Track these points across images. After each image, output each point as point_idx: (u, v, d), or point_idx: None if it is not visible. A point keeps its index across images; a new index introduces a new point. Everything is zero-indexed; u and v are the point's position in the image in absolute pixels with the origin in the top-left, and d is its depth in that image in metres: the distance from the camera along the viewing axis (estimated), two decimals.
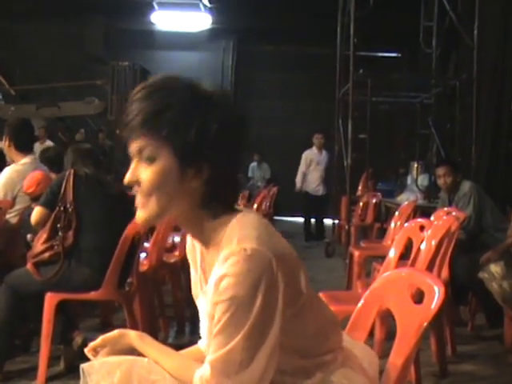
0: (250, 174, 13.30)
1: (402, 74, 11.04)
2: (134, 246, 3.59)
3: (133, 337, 1.52)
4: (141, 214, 1.33)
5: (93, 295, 3.41)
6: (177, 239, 4.99)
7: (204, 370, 1.29)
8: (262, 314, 1.24)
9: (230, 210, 1.37)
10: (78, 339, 3.62)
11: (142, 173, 1.30)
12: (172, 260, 4.69)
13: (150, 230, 4.13)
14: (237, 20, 13.02)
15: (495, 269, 4.09)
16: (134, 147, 1.31)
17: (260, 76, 13.83)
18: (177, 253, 4.75)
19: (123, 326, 3.67)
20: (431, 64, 9.23)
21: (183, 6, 12.92)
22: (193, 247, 1.51)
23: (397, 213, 5.81)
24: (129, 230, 3.40)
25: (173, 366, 1.43)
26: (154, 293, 4.34)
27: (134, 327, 3.54)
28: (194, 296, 1.55)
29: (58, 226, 3.39)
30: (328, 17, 10.17)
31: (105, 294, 3.42)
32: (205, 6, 12.88)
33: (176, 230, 4.99)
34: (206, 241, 1.38)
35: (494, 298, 4.08)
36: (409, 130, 11.16)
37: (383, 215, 8.69)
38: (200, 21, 13.32)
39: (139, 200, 1.32)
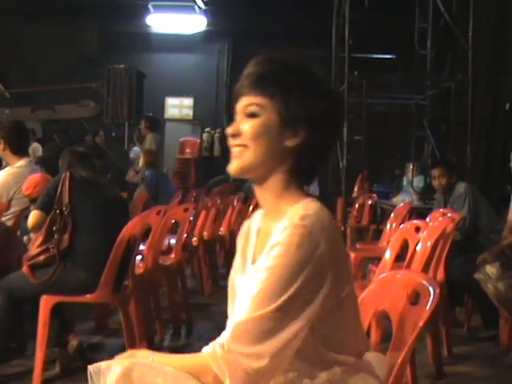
0: None
1: (397, 76, 11.05)
2: (130, 249, 3.58)
3: (142, 354, 1.49)
4: (235, 164, 1.43)
5: (88, 298, 3.41)
6: (173, 241, 4.99)
7: (225, 338, 1.30)
8: (302, 291, 1.29)
9: (303, 190, 1.45)
10: (74, 342, 3.61)
11: (243, 125, 1.40)
12: (168, 262, 4.68)
13: (146, 232, 4.13)
14: (232, 22, 13.02)
15: (491, 270, 4.10)
16: (241, 103, 1.41)
17: None
18: (173, 255, 4.75)
19: (119, 329, 3.68)
20: (426, 65, 9.25)
21: (178, 8, 12.91)
22: (248, 230, 1.56)
23: (392, 214, 5.82)
24: (124, 233, 3.40)
25: (187, 362, 1.39)
26: (149, 295, 4.33)
27: (130, 330, 3.54)
28: (232, 282, 1.58)
29: (54, 228, 3.39)
30: (323, 19, 10.19)
31: (100, 296, 3.42)
32: (200, 8, 12.87)
33: (173, 231, 5.00)
34: (272, 209, 1.45)
35: (490, 299, 4.08)
36: (404, 131, 11.18)
37: (379, 217, 8.69)
38: (195, 23, 13.31)
39: (235, 150, 1.42)
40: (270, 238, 1.38)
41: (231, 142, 1.43)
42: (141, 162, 8.26)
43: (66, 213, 3.38)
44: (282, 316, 1.28)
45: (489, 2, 7.68)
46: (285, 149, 1.39)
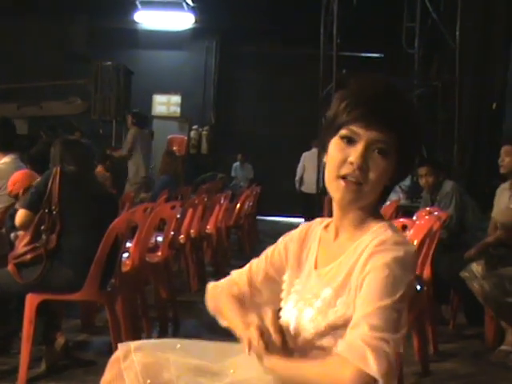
0: (232, 174, 13.30)
1: (385, 75, 11.07)
2: (117, 247, 3.57)
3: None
4: (350, 196, 1.40)
5: (74, 296, 3.40)
6: (159, 239, 4.98)
7: (361, 330, 1.28)
8: (404, 297, 1.32)
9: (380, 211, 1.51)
10: (61, 340, 3.60)
11: (372, 162, 1.38)
12: (155, 260, 4.67)
13: (132, 229, 4.12)
14: (220, 19, 13.00)
15: (476, 268, 4.12)
16: (371, 136, 1.37)
17: (243, 76, 13.83)
18: (159, 253, 4.74)
19: (105, 327, 3.67)
20: (413, 64, 9.28)
21: (166, 4, 12.89)
22: (304, 237, 1.59)
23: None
24: (111, 230, 3.38)
25: (317, 370, 1.35)
26: (136, 293, 4.31)
27: (116, 328, 3.52)
28: (284, 281, 1.60)
29: (42, 228, 3.36)
30: (311, 17, 10.20)
31: (86, 294, 3.40)
32: (188, 5, 12.85)
33: (160, 229, 4.98)
34: (348, 229, 1.47)
35: (475, 297, 4.11)
36: None
37: None
38: (183, 20, 13.30)
39: (353, 183, 1.38)
40: (342, 254, 1.44)
41: (350, 170, 1.38)
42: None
43: (54, 212, 3.36)
44: (400, 307, 1.32)
45: (476, 1, 7.71)
46: (387, 183, 1.44)
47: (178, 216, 5.28)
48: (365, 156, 1.37)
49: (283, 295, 1.58)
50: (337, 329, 1.37)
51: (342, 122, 1.39)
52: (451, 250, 4.66)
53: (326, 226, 1.55)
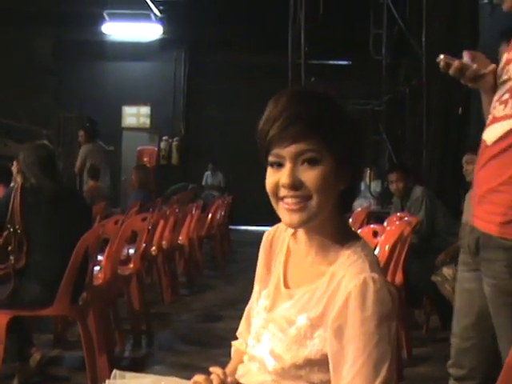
0: (203, 183, 13.28)
1: (353, 82, 11.16)
2: (88, 260, 3.53)
3: None
4: (299, 217, 1.34)
5: (45, 312, 3.35)
6: (131, 251, 4.94)
7: None
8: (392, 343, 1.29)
9: (347, 223, 1.45)
10: (37, 356, 3.56)
11: (304, 175, 1.32)
12: (127, 272, 4.63)
13: (104, 242, 4.08)
14: (188, 30, 13.00)
15: (447, 272, 4.16)
16: (293, 149, 1.31)
17: (213, 85, 13.82)
18: (131, 265, 4.70)
19: (78, 341, 3.63)
20: (382, 71, 9.37)
21: (134, 16, 12.83)
22: (271, 243, 1.55)
23: (350, 219, 5.85)
24: (80, 244, 3.35)
25: None
26: (108, 306, 4.28)
27: (89, 342, 3.49)
28: (256, 291, 1.56)
29: (9, 248, 3.31)
30: (279, 26, 10.23)
31: (57, 309, 3.36)
32: (156, 16, 12.82)
33: (131, 241, 4.95)
34: (320, 249, 1.41)
35: (447, 300, 4.14)
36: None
37: None
38: (151, 31, 13.25)
39: (296, 203, 1.33)
40: (318, 278, 1.37)
41: (288, 193, 1.33)
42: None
43: (19, 231, 3.29)
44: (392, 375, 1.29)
45: (441, 8, 7.82)
46: (337, 193, 1.37)
47: (150, 227, 5.25)
48: (294, 173, 1.32)
49: (253, 307, 1.54)
50: (314, 364, 1.34)
51: (265, 151, 1.35)
52: (422, 254, 4.69)
53: (294, 234, 1.49)
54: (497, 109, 1.99)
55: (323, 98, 1.37)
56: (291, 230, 1.50)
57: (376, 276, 1.29)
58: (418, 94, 8.10)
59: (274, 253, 1.54)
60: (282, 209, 1.36)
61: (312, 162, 1.31)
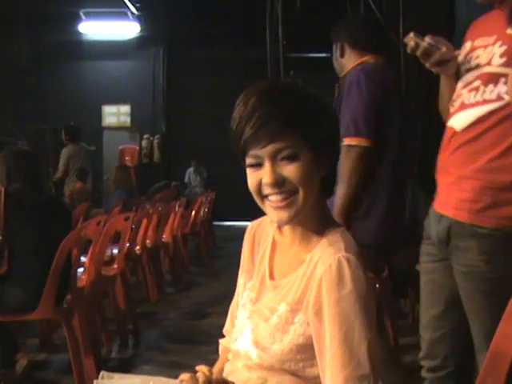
0: (186, 180, 13.24)
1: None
2: (71, 262, 3.51)
3: None
4: (286, 214, 1.36)
5: (30, 316, 3.33)
6: (115, 251, 4.92)
7: None
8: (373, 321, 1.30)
9: (329, 212, 1.47)
10: (23, 361, 3.55)
11: (285, 171, 1.33)
12: (111, 273, 4.62)
13: (87, 243, 4.06)
14: (166, 27, 12.93)
15: None
16: (270, 149, 1.32)
17: (192, 82, 13.77)
18: (116, 265, 4.68)
19: (64, 344, 3.61)
20: None
21: (111, 14, 12.75)
22: (254, 235, 1.57)
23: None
24: (63, 247, 3.32)
25: None
26: (93, 308, 4.26)
27: (75, 344, 3.47)
28: (241, 284, 1.56)
29: None
30: (257, 20, 10.21)
31: (42, 313, 3.35)
32: (133, 13, 12.75)
33: (115, 241, 4.92)
34: (302, 236, 1.42)
35: None
36: None
37: None
38: (129, 29, 13.19)
39: (282, 199, 1.34)
40: (300, 266, 1.39)
41: (272, 190, 1.34)
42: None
43: (1, 238, 3.27)
44: (374, 355, 1.29)
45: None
46: (319, 179, 1.39)
47: (133, 227, 5.23)
48: (275, 171, 1.33)
49: (239, 300, 1.55)
50: (298, 352, 1.35)
51: (241, 152, 1.36)
52: (406, 244, 4.71)
53: (279, 226, 1.50)
54: (464, 96, 1.99)
55: (292, 92, 1.37)
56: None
57: (351, 257, 1.31)
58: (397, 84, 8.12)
59: (258, 245, 1.55)
60: (268, 207, 1.37)
61: (291, 158, 1.33)
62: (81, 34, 13.24)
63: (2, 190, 3.37)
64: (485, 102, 1.92)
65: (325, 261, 1.32)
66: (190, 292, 6.60)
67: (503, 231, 1.88)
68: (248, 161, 1.36)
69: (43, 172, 8.67)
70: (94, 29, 13.14)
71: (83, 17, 12.73)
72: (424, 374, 2.22)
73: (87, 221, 4.69)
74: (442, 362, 2.12)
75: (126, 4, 12.19)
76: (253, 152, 1.34)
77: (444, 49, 2.02)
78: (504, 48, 1.92)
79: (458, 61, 2.05)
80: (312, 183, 1.36)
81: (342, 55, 3.11)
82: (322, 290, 1.30)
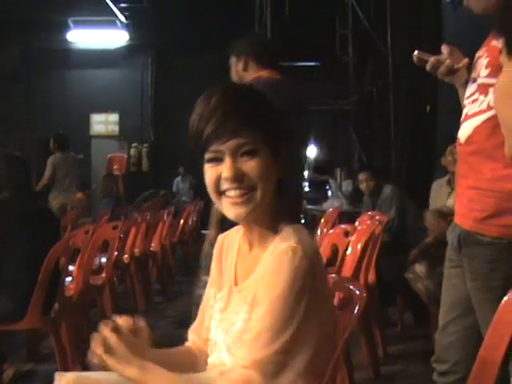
0: (174, 189, 13.19)
1: (322, 83, 11.19)
2: (59, 271, 3.49)
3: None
4: (244, 210, 1.37)
5: (17, 326, 3.30)
6: (103, 260, 4.89)
7: (248, 373, 1.27)
8: (304, 322, 1.28)
9: (286, 213, 1.46)
10: (10, 371, 3.52)
11: (245, 166, 1.36)
12: (99, 282, 4.59)
13: (75, 252, 4.04)
14: (154, 35, 12.95)
15: (420, 269, 4.19)
16: (230, 145, 1.34)
17: (180, 90, 13.72)
18: (104, 274, 4.66)
19: (52, 354, 3.58)
20: (349, 71, 9.43)
21: (99, 23, 12.76)
22: (222, 244, 1.60)
23: (322, 220, 5.88)
24: (51, 256, 3.30)
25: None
26: (81, 317, 4.23)
27: (63, 353, 3.44)
28: (209, 297, 1.60)
29: None
30: (246, 28, 10.24)
31: (29, 323, 3.31)
32: (121, 22, 12.76)
33: (103, 250, 4.90)
34: (259, 236, 1.44)
35: (420, 297, 4.17)
36: (331, 137, 11.33)
37: (309, 222, 8.78)
38: (117, 38, 13.19)
39: (240, 195, 1.36)
40: (257, 265, 1.40)
41: (231, 185, 1.36)
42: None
43: None
44: (289, 349, 1.28)
45: (405, 7, 7.89)
46: (276, 179, 1.41)
47: (121, 236, 5.21)
48: (235, 166, 1.35)
49: (211, 312, 1.56)
50: None
51: (201, 148, 1.38)
52: (394, 252, 4.72)
53: (244, 234, 1.52)
54: (468, 107, 2.04)
55: (252, 92, 1.43)
56: (241, 231, 1.53)
57: (297, 247, 1.31)
58: (385, 94, 8.16)
59: (226, 256, 1.57)
60: (225, 203, 1.39)
61: (251, 154, 1.36)
62: (69, 42, 13.22)
63: None
64: (480, 112, 1.97)
65: (272, 251, 1.34)
66: (178, 301, 6.56)
67: (506, 240, 1.91)
68: (208, 155, 1.38)
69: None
70: (83, 37, 13.14)
71: (72, 25, 12.72)
72: (435, 377, 2.25)
73: (75, 230, 4.67)
74: (451, 367, 2.14)
75: (114, 13, 12.19)
76: (214, 147, 1.36)
77: (448, 61, 2.07)
78: (487, 59, 1.97)
79: (467, 69, 2.09)
80: (269, 181, 1.38)
81: (245, 69, 3.25)
82: (263, 278, 1.33)
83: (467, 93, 2.06)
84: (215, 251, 1.61)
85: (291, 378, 1.28)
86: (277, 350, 1.27)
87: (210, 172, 1.39)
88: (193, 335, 1.65)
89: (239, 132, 1.34)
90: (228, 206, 1.38)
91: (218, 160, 1.37)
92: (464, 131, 2.04)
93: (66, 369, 3.42)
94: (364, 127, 9.88)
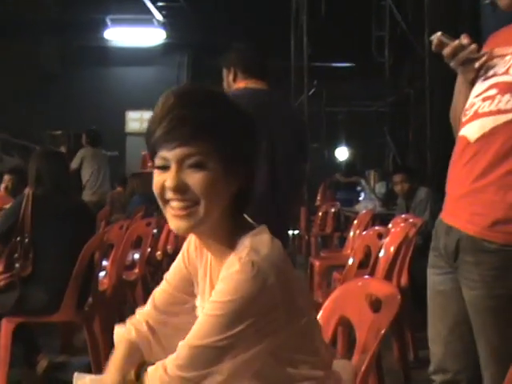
0: None
1: (357, 84, 11.15)
2: (93, 266, 3.54)
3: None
4: (184, 224, 1.30)
5: (51, 318, 3.35)
6: (136, 256, 4.94)
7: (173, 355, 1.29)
8: (253, 325, 1.25)
9: (245, 224, 1.39)
10: (43, 362, 3.57)
11: (189, 179, 1.28)
12: (132, 278, 4.64)
13: (108, 247, 4.09)
14: (191, 34, 13.01)
15: None
16: (178, 153, 1.27)
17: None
18: (136, 270, 4.70)
19: (84, 347, 3.63)
20: (385, 73, 9.37)
21: (136, 21, 12.86)
22: (195, 251, 1.51)
23: (356, 221, 5.85)
24: (85, 251, 3.35)
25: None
26: (114, 312, 4.28)
27: (95, 347, 3.49)
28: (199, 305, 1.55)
29: (15, 256, 3.31)
30: (282, 29, 10.25)
31: (63, 316, 3.36)
32: (158, 21, 12.85)
33: (136, 246, 4.95)
34: (219, 251, 1.37)
35: None
36: (366, 138, 11.28)
37: (343, 224, 8.75)
38: (154, 36, 13.28)
39: (182, 208, 1.29)
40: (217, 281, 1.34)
41: (174, 196, 1.29)
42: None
43: (27, 240, 3.29)
44: (229, 345, 1.25)
45: (442, 10, 7.82)
46: (227, 197, 1.33)
47: (155, 232, 5.25)
48: (179, 177, 1.28)
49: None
50: None
51: (151, 150, 1.32)
52: (427, 255, 4.68)
53: None
54: (478, 104, 1.92)
55: (213, 98, 1.34)
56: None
57: (248, 260, 1.26)
58: (422, 96, 8.09)
59: (200, 265, 1.49)
60: (168, 213, 1.32)
61: (198, 166, 1.27)
62: (106, 40, 13.36)
63: (30, 193, 3.40)
64: (499, 112, 1.85)
65: (228, 268, 1.29)
66: None
67: None
68: (156, 161, 1.32)
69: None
70: (120, 35, 13.25)
71: (109, 23, 12.84)
72: None
73: (109, 225, 4.72)
74: (453, 377, 2.05)
75: (151, 11, 12.29)
76: (162, 153, 1.30)
77: (473, 46, 1.94)
78: None
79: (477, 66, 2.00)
80: (218, 197, 1.30)
81: (235, 80, 3.28)
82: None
83: (478, 90, 1.95)
84: (193, 254, 1.52)
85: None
86: (206, 344, 1.26)
87: (156, 178, 1.32)
88: (134, 319, 1.69)
89: (188, 140, 1.26)
90: (170, 218, 1.32)
91: (165, 167, 1.30)
92: (475, 129, 1.91)
93: (98, 362, 3.46)
94: (399, 129, 9.82)
